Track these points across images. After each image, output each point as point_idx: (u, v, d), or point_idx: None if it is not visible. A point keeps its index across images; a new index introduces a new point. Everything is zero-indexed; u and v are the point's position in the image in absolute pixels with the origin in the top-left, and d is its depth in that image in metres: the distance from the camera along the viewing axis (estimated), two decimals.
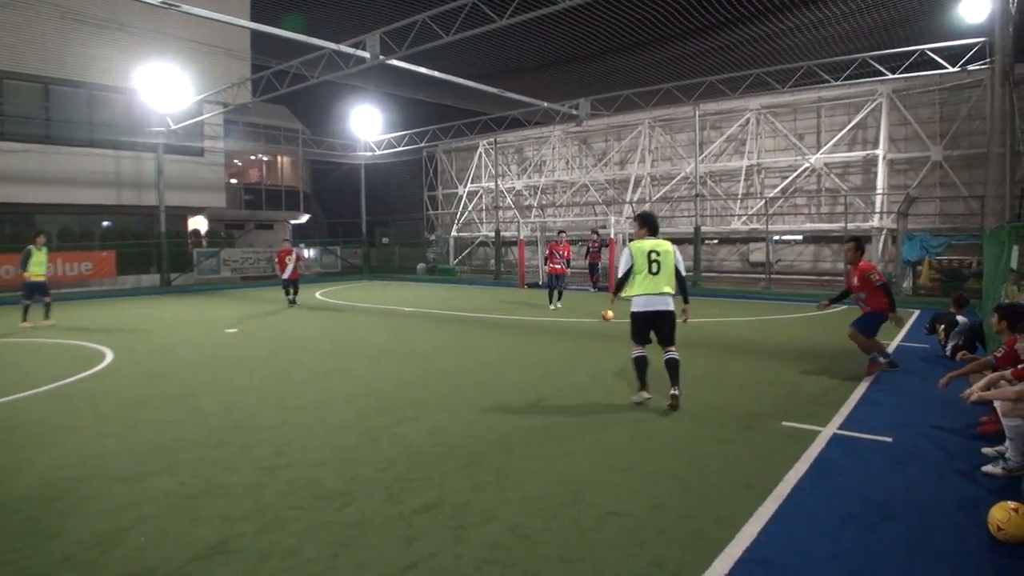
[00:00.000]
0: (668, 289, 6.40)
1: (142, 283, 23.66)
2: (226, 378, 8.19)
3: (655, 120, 25.13)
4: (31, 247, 13.11)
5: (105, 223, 25.14)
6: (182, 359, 9.54)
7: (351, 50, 16.18)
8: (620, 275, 6.62)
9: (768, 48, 20.70)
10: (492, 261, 27.86)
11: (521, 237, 23.45)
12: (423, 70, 17.93)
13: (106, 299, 20.05)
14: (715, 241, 24.47)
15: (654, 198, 25.02)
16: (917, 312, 13.89)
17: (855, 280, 8.01)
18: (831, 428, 5.70)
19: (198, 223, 28.25)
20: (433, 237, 32.49)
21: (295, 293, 17.25)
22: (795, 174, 22.24)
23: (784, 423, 5.85)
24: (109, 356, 9.73)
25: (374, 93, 29.35)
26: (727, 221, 23.25)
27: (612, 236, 20.25)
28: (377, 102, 29.37)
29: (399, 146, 30.35)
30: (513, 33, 20.04)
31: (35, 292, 13.13)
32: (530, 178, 29.53)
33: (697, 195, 21.44)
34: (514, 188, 29.93)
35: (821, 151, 21.78)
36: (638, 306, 6.51)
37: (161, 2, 14.11)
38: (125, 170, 24.37)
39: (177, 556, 3.54)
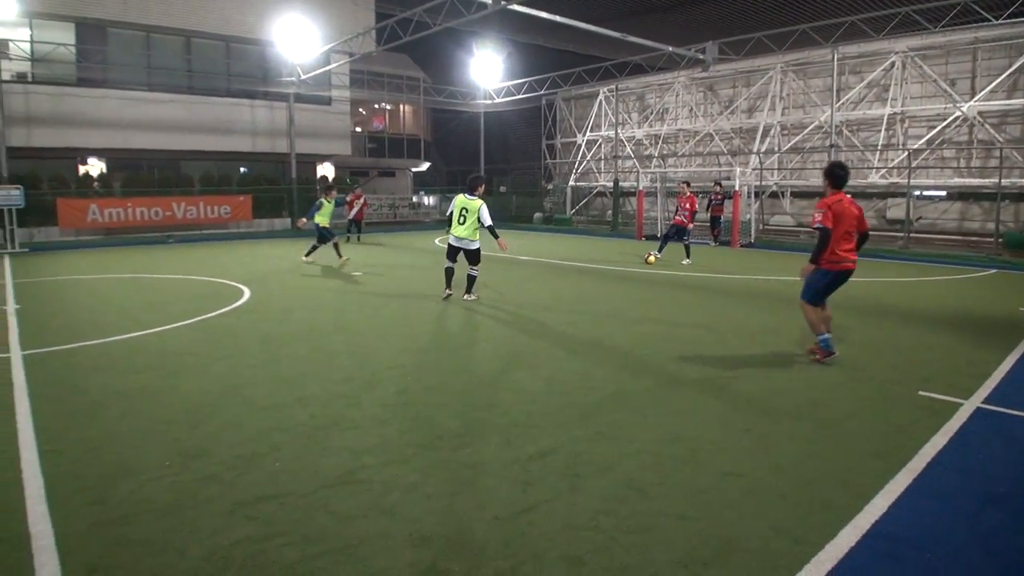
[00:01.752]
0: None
1: (275, 226, 25.09)
2: (351, 318, 8.59)
3: (788, 64, 23.55)
4: (322, 199, 14.33)
5: (242, 169, 26.71)
6: (311, 299, 10.09)
7: None
8: None
9: None
10: (609, 212, 27.47)
11: (640, 188, 22.89)
12: (544, 14, 17.60)
13: (243, 241, 21.43)
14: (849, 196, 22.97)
15: (784, 148, 23.66)
16: None
17: None
18: (974, 401, 5.27)
19: (326, 170, 29.46)
20: (550, 186, 32.34)
21: (359, 231, 20.81)
22: (944, 124, 20.29)
23: (921, 392, 5.47)
24: (247, 294, 10.44)
25: (494, 40, 29.20)
26: (864, 174, 21.65)
27: (737, 188, 19.39)
28: (497, 49, 29.19)
29: (518, 94, 30.17)
30: None
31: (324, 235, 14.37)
32: (651, 126, 28.63)
33: (832, 145, 20.08)
34: (634, 137, 29.13)
35: (975, 98, 19.70)
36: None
37: None
38: (259, 119, 25.71)
39: (308, 482, 3.78)
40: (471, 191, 9.56)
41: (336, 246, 14.65)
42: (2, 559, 3.06)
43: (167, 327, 8.00)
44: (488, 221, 9.43)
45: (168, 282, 12.12)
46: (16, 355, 6.74)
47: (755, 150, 23.91)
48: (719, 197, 19.80)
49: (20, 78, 21.31)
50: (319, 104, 27.00)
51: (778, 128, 23.96)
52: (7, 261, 15.85)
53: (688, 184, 15.58)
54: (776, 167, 23.68)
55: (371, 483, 3.77)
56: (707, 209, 20.42)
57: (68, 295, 10.91)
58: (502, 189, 32.36)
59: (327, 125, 27.53)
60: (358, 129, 33.40)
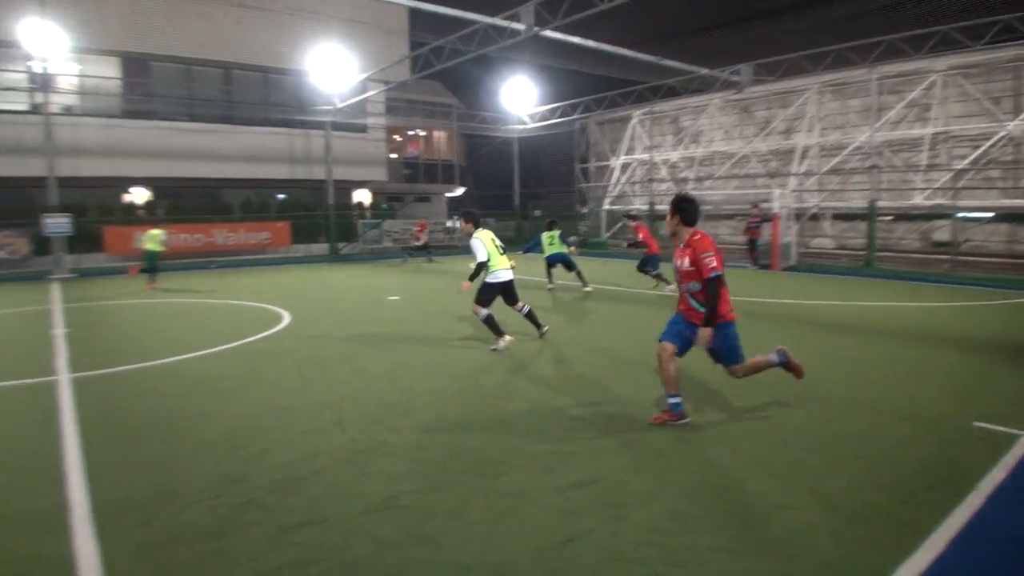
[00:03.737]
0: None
1: (312, 251, 25.44)
2: (389, 342, 8.62)
3: (824, 85, 23.29)
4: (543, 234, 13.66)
5: (280, 196, 27.23)
6: (349, 323, 10.16)
7: (506, 23, 16.31)
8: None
9: (958, 1, 18.47)
10: None
11: None
12: (577, 40, 17.74)
13: (281, 266, 21.77)
14: (890, 217, 22.43)
15: (823, 169, 23.34)
16: None
17: None
18: None
19: (362, 196, 29.87)
20: (585, 210, 32.32)
21: (429, 255, 23.44)
22: (988, 143, 19.81)
23: (976, 423, 5.23)
24: (286, 318, 10.56)
25: (527, 65, 29.48)
26: (907, 195, 21.21)
27: (776, 210, 19.14)
28: (530, 74, 29.46)
29: (551, 118, 30.34)
30: None
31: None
32: (686, 149, 28.51)
33: (872, 166, 19.73)
34: (669, 160, 29.03)
35: (1020, 116, 19.24)
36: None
37: None
38: (297, 147, 26.29)
39: (348, 508, 3.77)
40: (479, 226, 8.46)
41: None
42: None
43: (208, 351, 8.11)
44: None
45: (209, 307, 12.33)
46: (64, 378, 6.89)
47: (794, 171, 23.64)
48: (757, 220, 19.57)
49: (68, 111, 22.10)
50: (355, 132, 27.49)
51: (816, 149, 23.66)
52: (57, 286, 16.31)
53: (634, 217, 15.59)
54: (816, 188, 23.35)
55: (411, 509, 3.74)
56: (745, 232, 20.17)
57: (114, 319, 11.16)
58: (537, 213, 32.41)
59: (363, 152, 27.99)
60: (393, 155, 33.88)
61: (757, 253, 19.55)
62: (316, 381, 6.66)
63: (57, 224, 18.88)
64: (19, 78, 21.20)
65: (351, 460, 4.49)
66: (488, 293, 8.17)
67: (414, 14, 25.53)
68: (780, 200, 19.57)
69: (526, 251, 14.44)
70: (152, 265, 15.67)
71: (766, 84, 23.60)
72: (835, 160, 22.92)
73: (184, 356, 7.85)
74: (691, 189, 26.57)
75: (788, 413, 5.46)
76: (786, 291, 13.79)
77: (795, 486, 4.02)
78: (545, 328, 8.78)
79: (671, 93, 26.79)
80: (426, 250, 24.03)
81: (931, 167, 20.82)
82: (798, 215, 22.16)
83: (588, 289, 13.20)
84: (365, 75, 23.66)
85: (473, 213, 8.63)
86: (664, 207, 25.88)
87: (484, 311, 8.10)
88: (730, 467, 4.32)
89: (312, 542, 3.39)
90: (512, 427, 5.14)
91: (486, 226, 8.56)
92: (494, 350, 8.01)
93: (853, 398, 5.90)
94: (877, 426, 5.16)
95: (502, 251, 8.36)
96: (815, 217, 23.35)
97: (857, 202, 21.51)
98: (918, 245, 21.38)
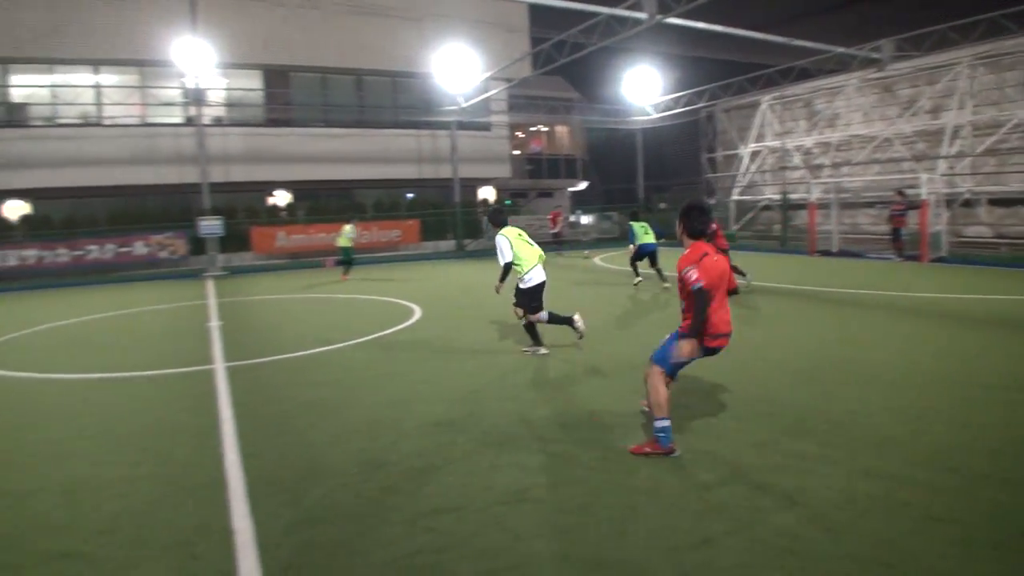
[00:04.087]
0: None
1: (440, 248, 26.21)
2: (517, 336, 8.71)
3: (977, 58, 21.23)
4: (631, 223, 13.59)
5: (409, 195, 28.26)
6: (477, 317, 10.37)
7: (628, 13, 16.03)
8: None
9: None
10: (777, 226, 26.11)
11: (812, 199, 21.54)
12: (702, 25, 17.17)
13: (411, 262, 22.57)
14: None
15: (977, 151, 21.35)
16: None
17: None
18: None
19: (486, 193, 30.45)
20: (712, 201, 31.31)
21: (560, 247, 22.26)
22: None
23: None
24: (417, 312, 10.94)
25: (650, 55, 28.90)
26: None
27: (924, 196, 17.72)
28: (653, 63, 28.84)
29: (676, 108, 29.58)
30: None
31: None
32: (821, 134, 26.91)
33: None
34: (803, 146, 27.54)
35: None
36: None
37: None
38: (424, 147, 27.19)
39: (481, 497, 3.84)
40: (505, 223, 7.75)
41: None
42: (210, 551, 3.37)
43: (346, 343, 8.54)
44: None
45: (346, 302, 12.99)
46: (220, 367, 7.48)
47: (943, 154, 21.77)
48: (901, 208, 18.18)
49: (217, 121, 24.01)
50: (479, 130, 28.06)
51: (969, 128, 21.66)
52: (210, 283, 17.76)
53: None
54: (969, 172, 21.40)
55: (544, 502, 3.76)
56: (888, 220, 18.81)
57: (261, 313, 12.01)
58: (662, 205, 31.78)
59: (487, 150, 28.54)
60: (516, 152, 34.26)
61: (902, 243, 18.15)
62: (447, 374, 6.85)
63: (210, 226, 20.53)
64: (174, 94, 23.22)
65: (483, 451, 4.58)
66: (526, 299, 7.43)
67: (534, 10, 25.73)
68: (928, 185, 18.07)
69: (631, 243, 13.94)
70: (348, 259, 16.98)
71: (910, 60, 21.83)
72: (991, 140, 20.88)
73: (324, 348, 8.31)
74: (827, 176, 25.10)
75: (939, 418, 5.02)
76: (935, 285, 12.72)
77: (954, 497, 3.70)
78: (543, 351, 7.56)
79: (803, 75, 25.34)
80: (558, 242, 23.74)
81: None
82: (949, 201, 20.39)
83: (667, 286, 12.65)
84: (488, 74, 24.06)
85: (499, 211, 7.94)
86: (798, 196, 24.67)
87: (542, 314, 7.49)
88: (883, 474, 4.01)
89: (448, 529, 3.48)
90: (640, 424, 5.04)
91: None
92: (525, 352, 7.58)
93: (1018, 404, 5.35)
94: None
95: (531, 245, 7.60)
96: (968, 203, 21.39)
97: (1017, 186, 19.51)
98: None
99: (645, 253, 13.23)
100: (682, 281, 4.35)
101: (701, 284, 4.23)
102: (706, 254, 4.34)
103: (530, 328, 7.60)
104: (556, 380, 6.38)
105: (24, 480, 4.41)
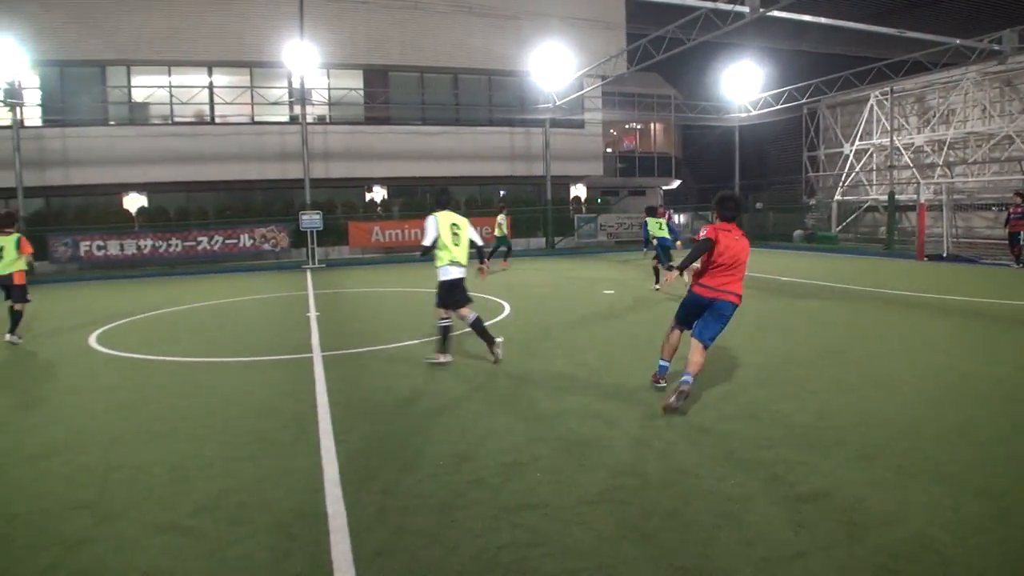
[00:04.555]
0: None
1: (530, 245, 26.34)
2: (606, 336, 8.67)
3: None
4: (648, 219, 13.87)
5: (502, 192, 28.52)
6: (565, 314, 10.38)
7: (729, 6, 15.62)
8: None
9: None
10: (883, 228, 24.78)
11: (922, 201, 20.34)
12: (807, 18, 16.52)
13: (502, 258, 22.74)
14: None
15: None
16: None
17: None
18: None
19: (578, 190, 30.35)
20: (813, 202, 30.06)
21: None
22: None
23: None
24: (507, 308, 11.03)
25: (751, 50, 27.98)
26: None
27: None
28: (753, 58, 27.89)
29: (776, 104, 28.51)
30: None
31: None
32: (934, 131, 25.34)
33: None
34: (913, 144, 26.01)
35: None
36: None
37: None
38: (517, 144, 27.37)
39: (567, 496, 3.84)
40: (443, 207, 7.14)
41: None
42: (306, 531, 3.51)
43: (436, 337, 8.70)
44: (480, 240, 7.33)
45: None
46: (317, 355, 7.80)
47: None
48: (1021, 210, 16.88)
49: (320, 120, 24.98)
50: (572, 128, 28.00)
51: None
52: (309, 275, 18.52)
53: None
54: None
55: (630, 504, 3.72)
56: (1005, 224, 17.51)
57: (356, 305, 12.45)
58: (758, 206, 30.69)
59: (580, 147, 28.43)
60: (609, 150, 33.95)
61: (1020, 249, 16.84)
62: (536, 370, 6.87)
63: (310, 220, 21.40)
64: (281, 94, 24.34)
65: (569, 449, 4.57)
66: (440, 292, 7.05)
67: (632, 5, 25.45)
68: None
69: (645, 242, 13.92)
70: (506, 246, 18.13)
71: None
72: None
73: (414, 341, 8.51)
74: (939, 177, 23.61)
75: None
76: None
77: None
78: (498, 349, 7.16)
79: (916, 69, 23.87)
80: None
81: None
82: None
83: (657, 287, 13.00)
84: (583, 71, 23.96)
85: (442, 191, 7.36)
86: (906, 197, 23.31)
87: (471, 315, 7.06)
88: (995, 492, 3.75)
89: (534, 526, 3.50)
90: (734, 431, 4.89)
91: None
92: (428, 361, 7.18)
93: None
94: None
95: (457, 243, 6.94)
96: None
97: None
98: None
99: (663, 247, 13.22)
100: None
101: (704, 234, 5.34)
102: (728, 230, 5.38)
103: (443, 331, 7.14)
104: (644, 379, 6.26)
105: (135, 455, 4.72)
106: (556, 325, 9.50)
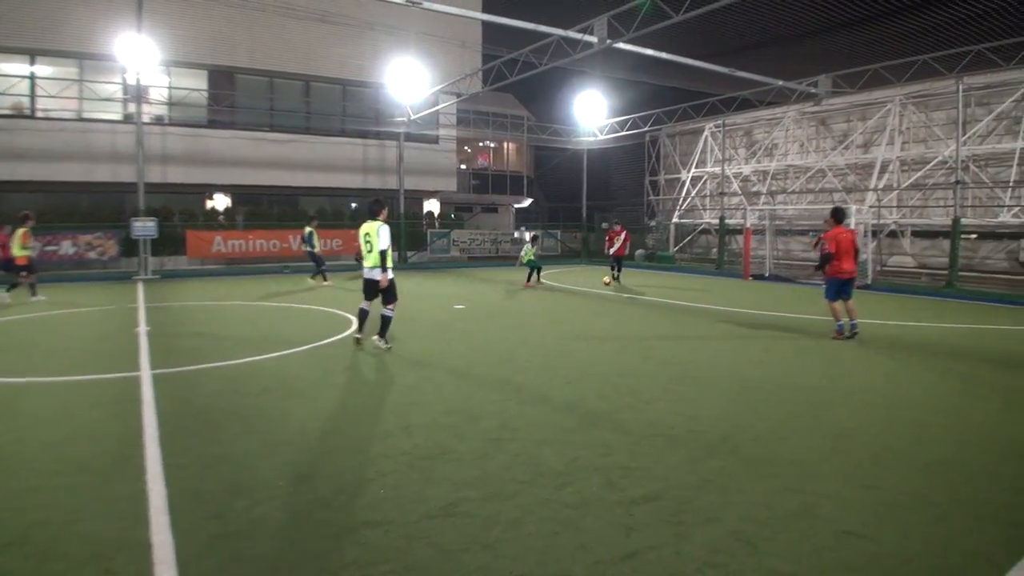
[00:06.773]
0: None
1: None
2: (455, 351, 8.72)
3: (907, 97, 22.41)
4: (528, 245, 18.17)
5: (353, 204, 27.97)
6: (417, 330, 10.32)
7: (579, 35, 16.34)
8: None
9: None
10: (714, 250, 26.84)
11: (748, 225, 22.25)
12: (650, 52, 17.63)
13: (353, 271, 22.26)
14: (974, 236, 21.36)
15: (903, 184, 22.44)
16: None
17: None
18: None
19: (431, 206, 30.39)
20: (653, 223, 31.98)
21: (619, 269, 18.54)
22: None
23: None
24: (354, 323, 10.78)
25: (599, 78, 29.46)
26: (993, 212, 20.20)
27: (853, 226, 18.48)
28: (601, 86, 29.41)
29: (622, 130, 30.18)
30: (746, 7, 18.98)
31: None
32: (759, 162, 27.87)
33: (957, 182, 18.90)
34: (741, 173, 28.46)
35: None
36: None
37: (406, 0, 15.30)
38: (371, 157, 26.99)
39: (411, 511, 3.82)
40: (374, 216, 8.50)
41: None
42: (128, 564, 3.24)
43: (281, 353, 8.38)
44: (384, 244, 8.31)
45: (282, 310, 12.74)
46: (146, 374, 7.24)
47: (872, 186, 22.82)
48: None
49: (158, 120, 23.31)
50: (427, 143, 28.05)
51: (897, 164, 22.78)
52: (141, 287, 17.16)
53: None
54: (895, 204, 22.46)
55: (473, 517, 3.76)
56: (814, 247, 19.51)
57: (193, 320, 11.66)
58: (604, 226, 32.23)
59: (434, 162, 28.52)
60: (463, 166, 34.33)
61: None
62: (384, 385, 6.79)
63: (144, 227, 19.85)
64: (114, 89, 22.49)
65: (415, 465, 4.55)
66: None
67: (487, 27, 25.98)
68: (857, 216, 18.89)
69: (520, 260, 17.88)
70: (535, 265, 17.92)
71: (845, 96, 22.90)
72: (917, 175, 22.02)
73: (258, 357, 8.13)
74: (763, 204, 25.97)
75: (857, 436, 5.25)
76: (863, 311, 13.26)
77: (870, 513, 3.87)
78: (381, 343, 8.65)
79: (745, 105, 26.30)
80: (617, 261, 18.47)
81: (1020, 183, 19.76)
82: (875, 232, 21.37)
83: (530, 286, 17.11)
84: (438, 87, 24.10)
85: (375, 202, 8.73)
86: (735, 221, 25.38)
87: (387, 308, 8.69)
88: (802, 490, 4.18)
89: (375, 544, 3.45)
90: (574, 440, 5.11)
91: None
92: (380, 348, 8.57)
93: (927, 427, 5.64)
94: (959, 454, 4.91)
95: (369, 250, 8.51)
96: (894, 234, 22.47)
97: (939, 219, 20.64)
98: (1005, 265, 20.31)
99: (534, 268, 17.55)
100: (822, 241, 9.77)
101: (828, 248, 9.64)
102: (841, 232, 9.67)
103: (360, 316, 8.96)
104: (494, 396, 6.38)
105: None
106: (404, 339, 9.44)
